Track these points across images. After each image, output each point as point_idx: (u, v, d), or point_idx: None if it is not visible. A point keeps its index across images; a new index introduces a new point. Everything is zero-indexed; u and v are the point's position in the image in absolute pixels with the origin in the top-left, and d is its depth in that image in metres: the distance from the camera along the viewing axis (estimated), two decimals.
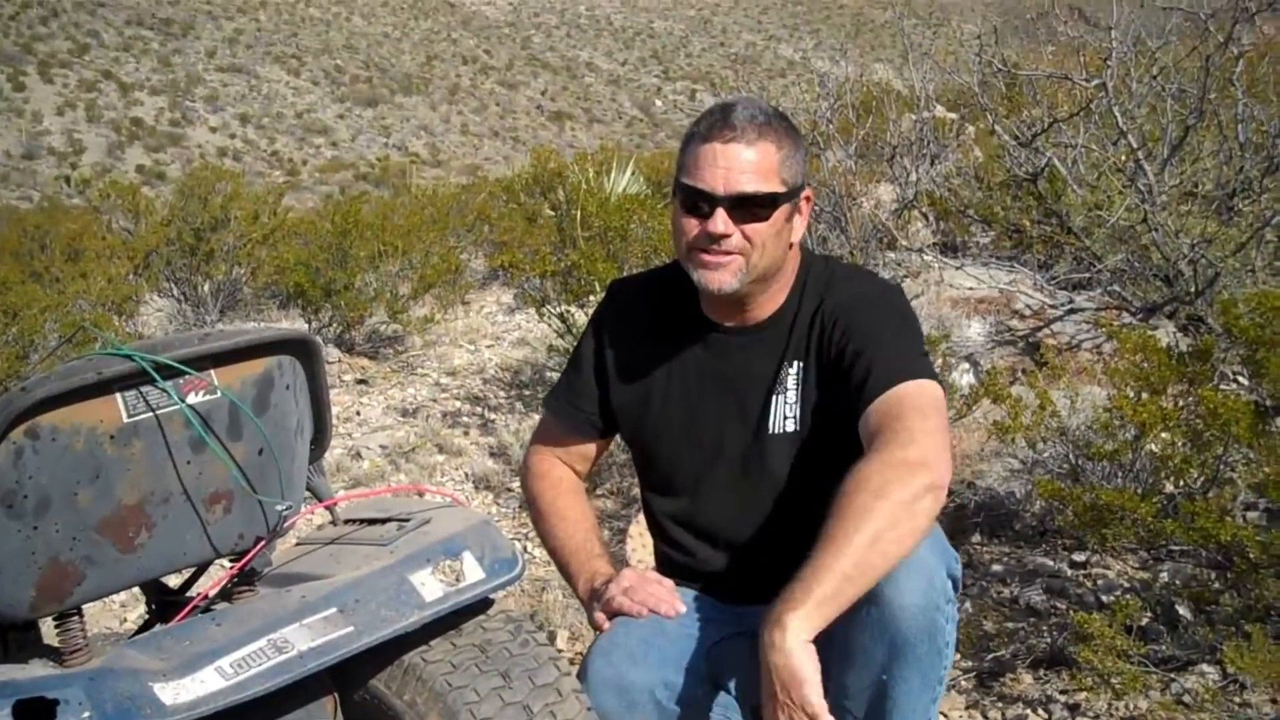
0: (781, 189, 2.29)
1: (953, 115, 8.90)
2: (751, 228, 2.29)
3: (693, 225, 2.33)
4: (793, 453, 2.44)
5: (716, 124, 2.30)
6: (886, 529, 1.99)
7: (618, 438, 2.73)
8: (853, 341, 2.32)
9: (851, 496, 2.02)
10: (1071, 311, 5.68)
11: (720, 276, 2.33)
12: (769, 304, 2.46)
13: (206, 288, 10.03)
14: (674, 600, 2.38)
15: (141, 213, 11.93)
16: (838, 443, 2.33)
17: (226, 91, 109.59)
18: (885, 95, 8.65)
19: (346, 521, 2.36)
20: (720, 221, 2.28)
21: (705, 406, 2.50)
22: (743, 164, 2.26)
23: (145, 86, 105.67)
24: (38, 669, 1.85)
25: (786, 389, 2.44)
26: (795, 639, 1.93)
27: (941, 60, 8.79)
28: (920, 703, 2.13)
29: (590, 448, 2.72)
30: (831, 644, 2.20)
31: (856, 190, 7.45)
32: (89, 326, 5.41)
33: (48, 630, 2.09)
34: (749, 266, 2.32)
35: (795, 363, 2.43)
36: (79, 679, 1.74)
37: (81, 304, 8.48)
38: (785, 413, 2.43)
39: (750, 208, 2.28)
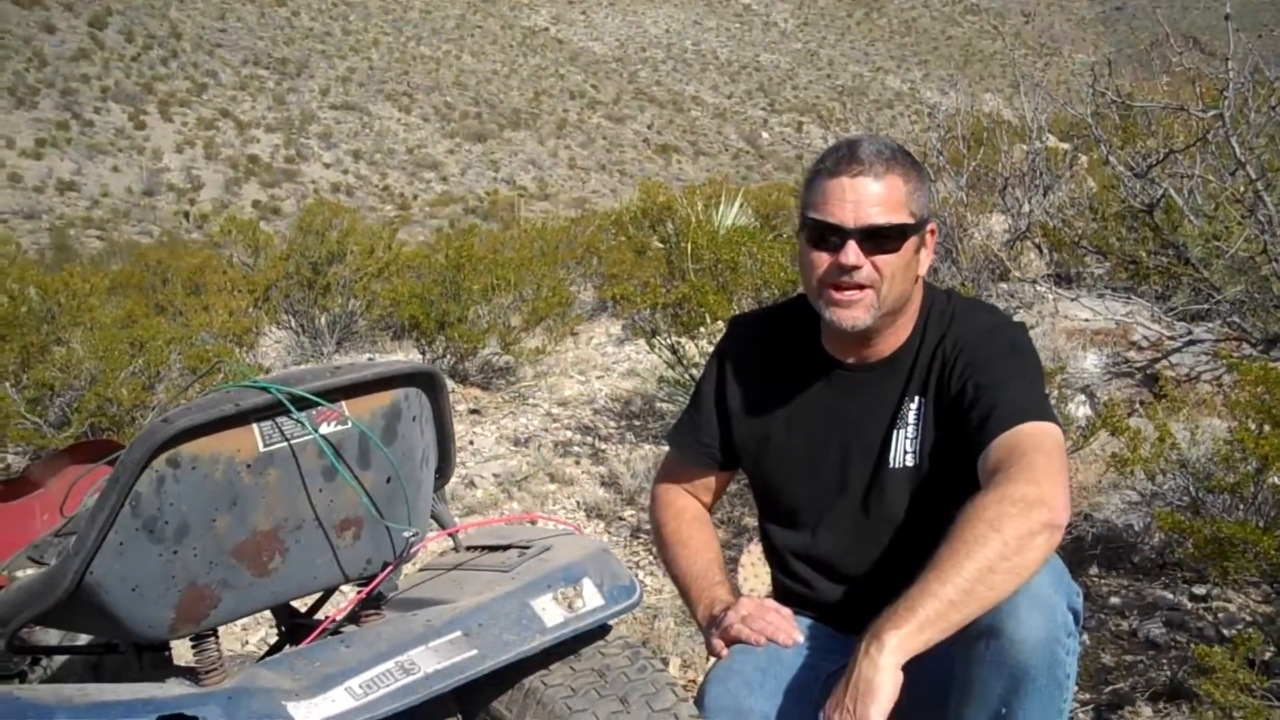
0: (910, 220, 2.32)
1: (1065, 146, 8.81)
2: (882, 259, 2.31)
3: (823, 260, 2.35)
4: (911, 488, 2.45)
5: (844, 159, 2.32)
6: (998, 560, 1.99)
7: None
8: (974, 377, 2.33)
9: (967, 526, 2.03)
10: (1190, 343, 5.60)
11: (853, 314, 2.35)
12: (893, 340, 2.47)
13: (323, 320, 10.23)
14: (792, 630, 2.39)
15: (261, 247, 12.23)
16: (955, 479, 2.33)
17: (340, 128, 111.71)
18: (996, 126, 8.61)
19: (469, 548, 2.41)
20: (851, 253, 2.29)
21: (827, 442, 2.52)
22: (871, 196, 2.29)
23: (261, 124, 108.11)
24: (175, 688, 1.93)
25: (907, 424, 2.45)
26: (890, 658, 1.96)
27: (1053, 90, 8.72)
28: None
29: (713, 480, 2.76)
30: (950, 679, 2.21)
31: (968, 221, 7.42)
32: (228, 364, 5.55)
33: (181, 652, 2.17)
34: (879, 300, 2.34)
35: (916, 398, 2.44)
36: (217, 697, 1.81)
37: (204, 336, 8.71)
38: (905, 448, 2.45)
39: (880, 239, 2.30)
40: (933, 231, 2.43)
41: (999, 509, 2.04)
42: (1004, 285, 7.04)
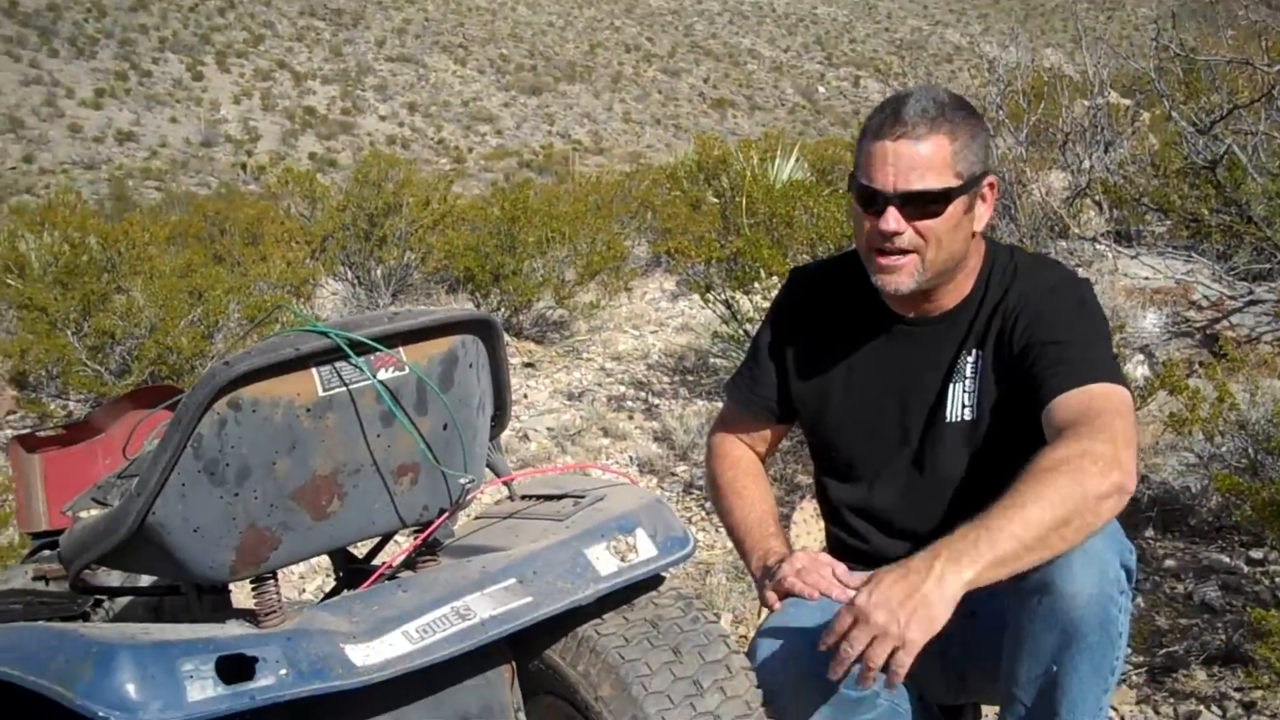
0: (955, 183, 2.26)
1: (1127, 101, 8.67)
2: (924, 224, 2.28)
3: (868, 223, 2.33)
4: (967, 442, 2.44)
5: (887, 120, 2.28)
6: (1074, 514, 1.97)
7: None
8: (1039, 334, 2.30)
9: (1049, 474, 2.01)
10: (1251, 303, 5.52)
11: (896, 279, 2.33)
12: (953, 294, 2.45)
13: (379, 272, 10.27)
14: (847, 582, 2.39)
15: (317, 199, 12.29)
16: (1012, 434, 2.32)
17: (395, 81, 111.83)
18: (1057, 81, 8.48)
19: (523, 497, 2.43)
20: (891, 219, 2.27)
21: (885, 397, 2.51)
22: (912, 160, 2.25)
23: (318, 76, 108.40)
24: (236, 628, 1.96)
25: (964, 377, 2.43)
26: (959, 588, 1.93)
27: (1116, 45, 8.59)
28: (1091, 692, 2.11)
29: (769, 432, 2.75)
30: (1002, 633, 2.20)
31: (1027, 177, 7.32)
32: (287, 307, 5.61)
33: (241, 599, 2.20)
34: (924, 264, 2.31)
35: (974, 351, 2.43)
36: (276, 638, 1.83)
37: (262, 286, 8.78)
38: (963, 401, 2.43)
39: (922, 204, 2.26)
40: (992, 185, 2.38)
41: (1080, 464, 2.01)
42: (1063, 243, 6.95)
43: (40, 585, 2.86)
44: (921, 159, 2.25)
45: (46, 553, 2.99)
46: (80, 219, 8.51)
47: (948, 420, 2.44)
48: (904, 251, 2.30)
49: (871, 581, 1.98)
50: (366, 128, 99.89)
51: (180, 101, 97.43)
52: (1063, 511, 1.97)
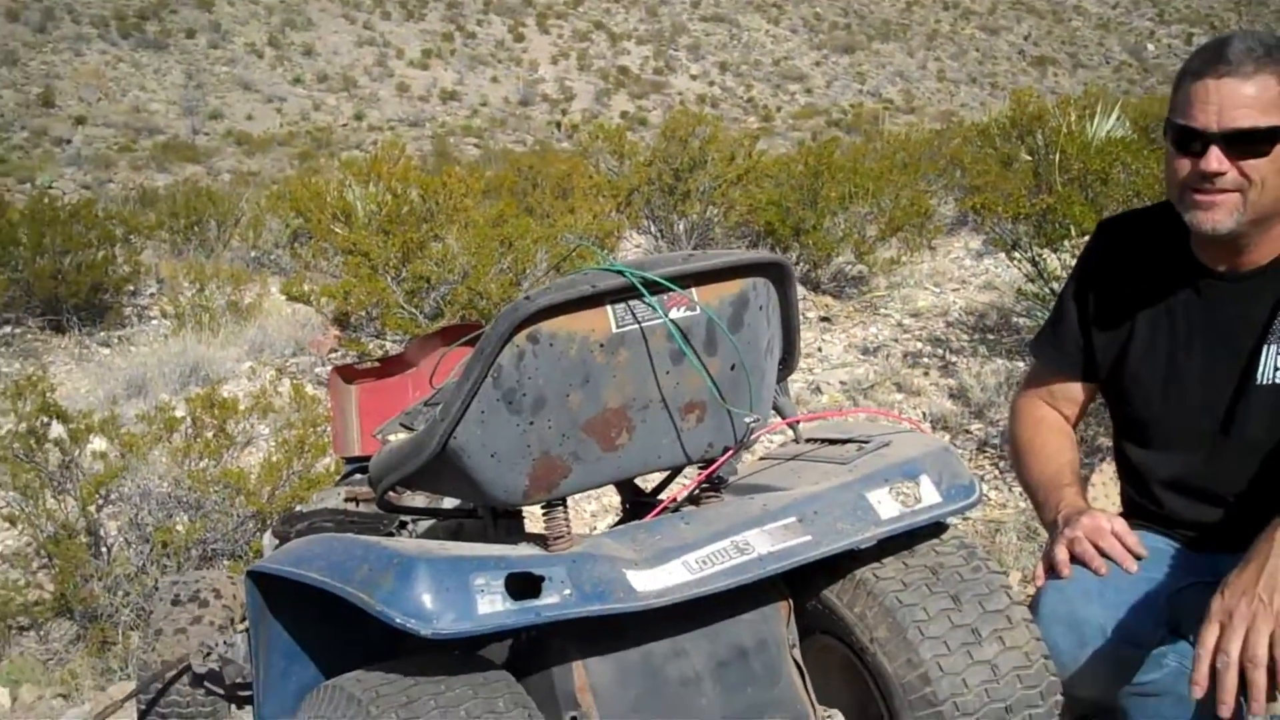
0: None
1: None
2: (1249, 164, 2.18)
3: (1185, 165, 2.25)
4: (1278, 406, 2.33)
5: (1210, 59, 2.20)
6: None
7: None
8: None
9: None
10: None
11: (1214, 216, 2.24)
12: (1268, 248, 2.33)
13: (681, 226, 10.42)
14: (1137, 553, 2.31)
15: (625, 155, 12.53)
16: None
17: (708, 40, 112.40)
18: None
19: (808, 440, 2.45)
20: (1214, 159, 2.18)
21: (1190, 355, 2.42)
22: (1238, 99, 2.16)
23: (633, 36, 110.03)
24: (526, 549, 2.06)
25: (1279, 338, 2.32)
26: None
27: None
28: None
29: (1076, 390, 2.67)
30: None
31: None
32: (584, 244, 5.79)
33: (533, 523, 2.31)
34: (1246, 204, 2.22)
35: None
36: (563, 560, 1.92)
37: (567, 236, 9.04)
38: (1277, 363, 2.32)
39: (1246, 144, 2.17)
40: None
41: None
42: None
43: (351, 506, 3.06)
44: (1248, 97, 2.16)
45: (358, 476, 3.20)
46: (403, 172, 8.93)
47: (1258, 383, 2.33)
48: (1224, 191, 2.21)
49: (1218, 591, 1.91)
50: (678, 86, 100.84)
51: (501, 62, 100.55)
52: None
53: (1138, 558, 2.30)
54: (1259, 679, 1.79)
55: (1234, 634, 1.82)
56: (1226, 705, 1.82)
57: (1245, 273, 2.36)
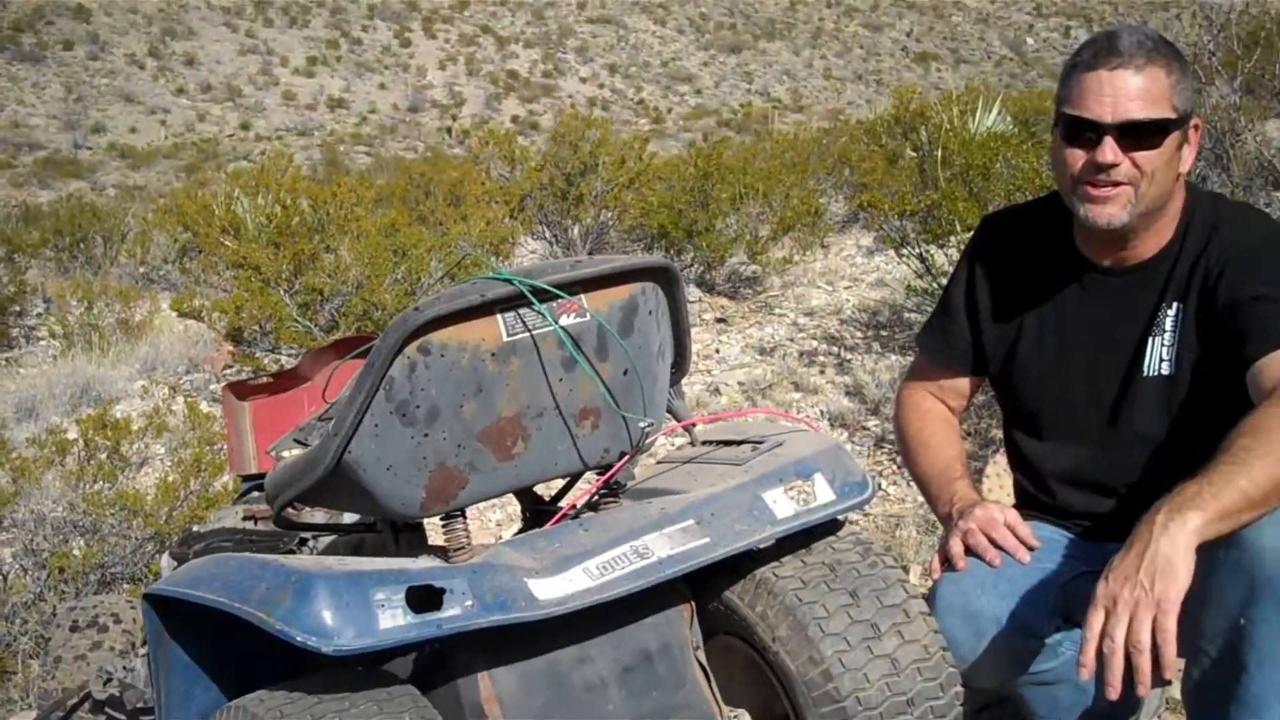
0: (1173, 115, 2.22)
1: None
2: (1142, 156, 2.23)
3: (1078, 157, 2.28)
4: (1164, 398, 2.38)
5: (1102, 51, 2.24)
6: None
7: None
8: (1250, 288, 2.23)
9: (1273, 432, 1.96)
10: None
11: (1109, 210, 2.28)
12: (1152, 242, 2.38)
13: (576, 230, 10.41)
14: (1029, 545, 2.36)
15: (517, 160, 12.50)
16: (1211, 392, 2.27)
17: (596, 42, 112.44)
18: (1277, 26, 8.11)
19: (704, 443, 2.47)
20: (1109, 150, 2.22)
21: (1077, 348, 2.47)
22: (1131, 90, 2.21)
23: (520, 40, 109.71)
24: (426, 562, 2.05)
25: (1164, 330, 2.37)
26: (1191, 538, 1.86)
27: None
28: None
29: (963, 383, 2.71)
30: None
31: (1240, 126, 7.03)
32: (474, 254, 5.79)
33: (435, 535, 2.30)
34: (1138, 197, 2.26)
35: (1174, 304, 2.36)
36: (463, 571, 1.92)
37: (462, 244, 8.99)
38: (1162, 355, 2.37)
39: (1140, 135, 2.22)
40: (1196, 127, 2.31)
41: None
42: (1278, 194, 6.66)
43: (249, 524, 3.02)
44: (1140, 89, 2.21)
45: (255, 494, 3.17)
46: (292, 182, 8.83)
47: (1144, 375, 2.39)
48: (1117, 184, 2.26)
49: (1102, 576, 1.93)
50: (568, 90, 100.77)
51: (388, 68, 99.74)
52: None
53: (1030, 548, 2.35)
54: (1143, 664, 1.83)
55: (1118, 620, 1.85)
56: (1113, 688, 1.85)
57: (1130, 266, 2.41)
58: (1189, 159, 2.32)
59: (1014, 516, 2.40)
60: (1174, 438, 2.36)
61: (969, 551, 2.36)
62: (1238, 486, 1.90)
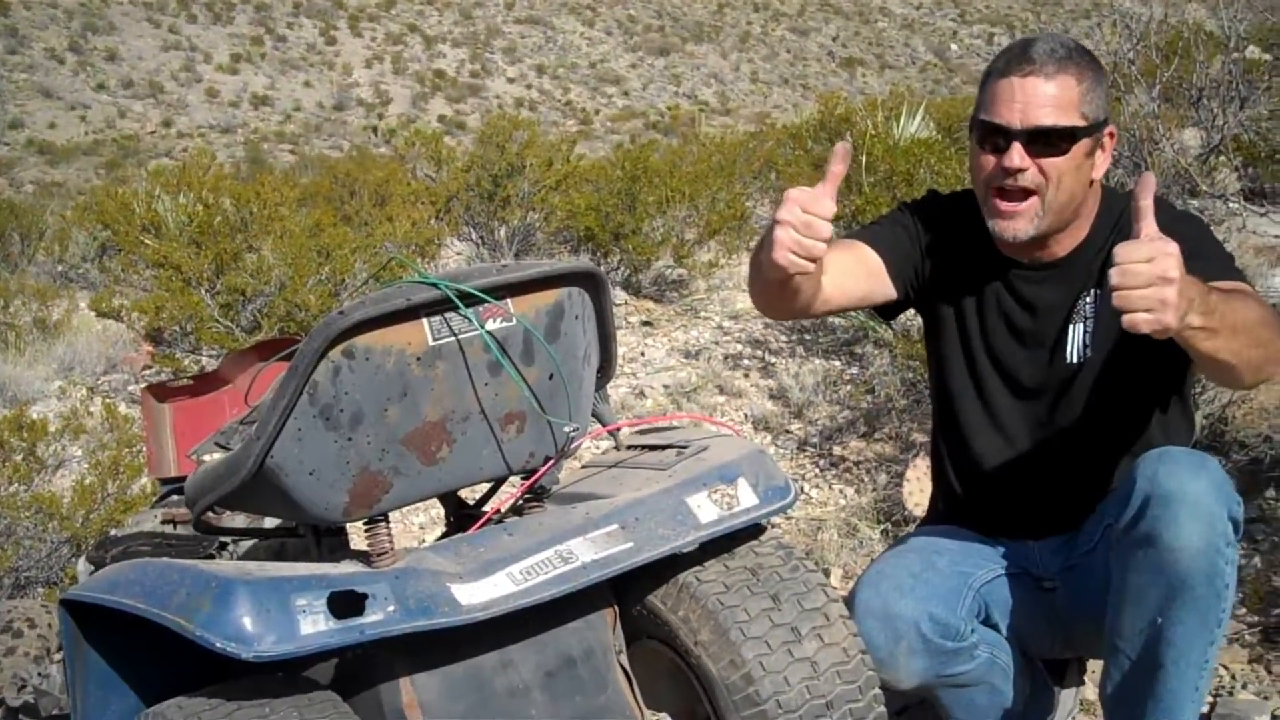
0: (1081, 123, 2.27)
1: (1268, 57, 8.41)
2: (1049, 162, 2.27)
3: (989, 161, 2.32)
4: (1087, 383, 2.43)
5: (1015, 58, 2.29)
6: (1275, 336, 2.02)
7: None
8: None
9: (1254, 301, 2.06)
10: None
11: (1015, 225, 2.33)
12: (1068, 240, 2.43)
13: (502, 232, 10.38)
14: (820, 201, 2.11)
15: (444, 161, 12.45)
16: (1131, 375, 2.31)
17: (524, 43, 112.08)
18: (1195, 36, 8.26)
19: (629, 447, 2.48)
20: (1016, 155, 2.26)
21: (998, 341, 2.50)
22: (1041, 98, 2.25)
23: (448, 39, 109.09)
24: (349, 567, 2.04)
25: (1084, 318, 2.42)
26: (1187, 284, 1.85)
27: None
28: (1197, 645, 2.10)
29: (876, 265, 2.54)
30: (1107, 586, 2.20)
31: (1158, 134, 7.16)
32: (399, 258, 5.75)
33: (359, 539, 2.29)
34: (1044, 206, 2.31)
35: (1093, 291, 2.41)
36: (386, 577, 1.92)
37: (388, 245, 8.93)
38: (1084, 341, 2.42)
39: (1047, 141, 2.26)
40: (1111, 135, 2.36)
41: (1273, 315, 2.06)
42: (1194, 201, 6.79)
43: (168, 529, 2.99)
44: (1050, 97, 2.25)
45: (175, 497, 3.12)
46: (214, 181, 8.72)
47: (1067, 361, 2.43)
48: (1026, 193, 2.30)
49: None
50: (495, 90, 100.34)
51: (314, 66, 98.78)
52: (1269, 318, 2.01)
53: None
54: (1168, 293, 1.82)
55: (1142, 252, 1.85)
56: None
57: (1047, 263, 2.45)
58: (1102, 165, 2.36)
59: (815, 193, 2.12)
60: (1094, 425, 2.41)
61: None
62: (1224, 310, 1.94)
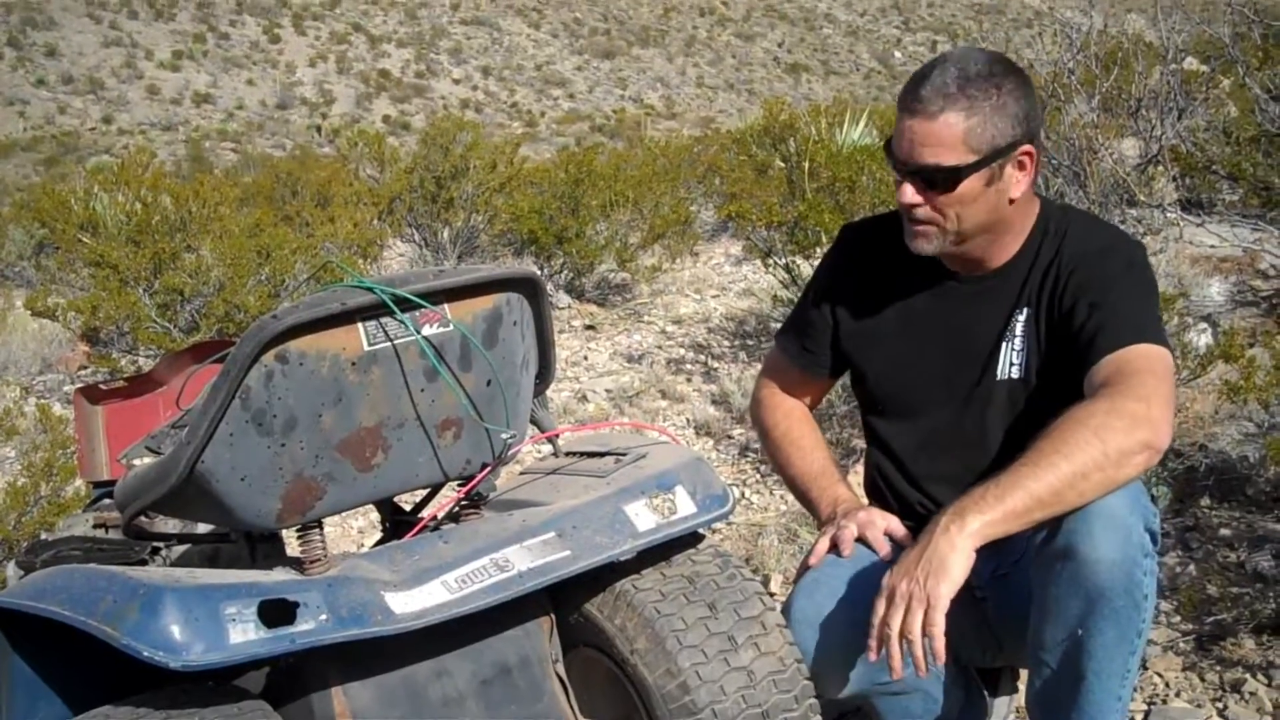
0: (970, 158, 2.25)
1: (1205, 68, 8.52)
2: (939, 200, 2.30)
3: (898, 188, 2.36)
4: (1014, 401, 2.44)
5: (906, 94, 2.30)
6: (1094, 469, 2.01)
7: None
8: (1087, 296, 2.30)
9: (1070, 428, 2.05)
10: None
11: (918, 244, 2.38)
12: (1001, 254, 2.44)
13: (446, 234, 10.34)
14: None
15: (387, 161, 12.38)
16: (1060, 395, 2.32)
17: (470, 44, 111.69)
18: (1135, 47, 8.35)
19: (567, 454, 2.47)
20: (907, 193, 2.31)
21: (933, 352, 2.51)
22: (923, 137, 2.26)
23: (393, 39, 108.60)
24: (281, 574, 2.01)
25: (1015, 336, 2.43)
26: (968, 540, 2.00)
27: (1193, 9, 8.43)
28: (1118, 656, 2.12)
29: (817, 385, 2.79)
30: (1028, 598, 2.21)
31: (1098, 144, 7.22)
32: (336, 263, 5.71)
33: (293, 545, 2.26)
34: (944, 233, 2.34)
35: (1025, 310, 2.42)
36: (318, 585, 1.89)
37: (329, 247, 8.87)
38: (1013, 360, 2.43)
39: (933, 180, 2.28)
40: (1029, 153, 2.33)
41: (1105, 419, 2.05)
42: (1132, 211, 6.86)
43: (100, 533, 2.93)
44: (931, 136, 2.26)
45: (106, 501, 3.07)
46: (153, 179, 8.62)
47: (997, 378, 2.45)
48: (925, 221, 2.34)
49: (890, 569, 2.08)
50: (440, 91, 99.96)
51: (257, 64, 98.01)
52: (1080, 467, 2.01)
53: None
54: (915, 652, 1.98)
55: (895, 610, 2.01)
56: (895, 670, 2.01)
57: (982, 276, 2.47)
58: (1021, 184, 2.33)
59: (895, 523, 2.46)
60: (1022, 440, 2.41)
61: (833, 548, 2.41)
62: (1025, 489, 2.02)
